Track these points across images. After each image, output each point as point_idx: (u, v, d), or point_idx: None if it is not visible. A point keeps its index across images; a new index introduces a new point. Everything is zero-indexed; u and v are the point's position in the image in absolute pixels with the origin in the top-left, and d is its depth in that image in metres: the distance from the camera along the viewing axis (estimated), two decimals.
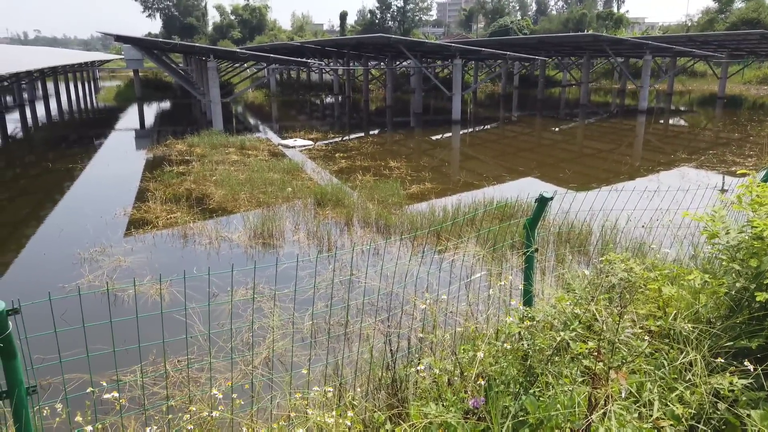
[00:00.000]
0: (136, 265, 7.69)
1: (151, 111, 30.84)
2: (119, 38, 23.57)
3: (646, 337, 2.99)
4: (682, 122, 25.87)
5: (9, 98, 34.05)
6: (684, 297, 3.37)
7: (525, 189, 11.97)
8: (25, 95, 31.98)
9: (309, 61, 30.46)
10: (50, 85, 39.99)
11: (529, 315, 3.03)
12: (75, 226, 9.73)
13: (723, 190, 11.99)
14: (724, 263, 3.44)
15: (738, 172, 7.56)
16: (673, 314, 3.14)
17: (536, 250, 4.59)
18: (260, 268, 7.13)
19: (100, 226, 9.56)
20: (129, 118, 27.82)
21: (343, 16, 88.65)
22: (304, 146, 17.86)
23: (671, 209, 6.24)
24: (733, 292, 3.17)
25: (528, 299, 4.14)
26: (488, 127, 24.36)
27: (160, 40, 36.86)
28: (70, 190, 12.77)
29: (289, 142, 18.35)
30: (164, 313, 3.54)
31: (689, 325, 2.85)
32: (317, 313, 5.81)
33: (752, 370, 2.63)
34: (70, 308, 5.48)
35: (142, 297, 6.62)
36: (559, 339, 2.72)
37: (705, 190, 6.33)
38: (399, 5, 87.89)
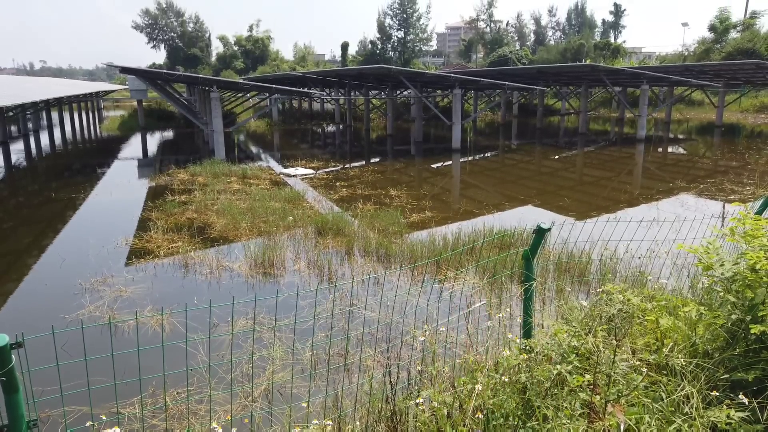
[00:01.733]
0: (137, 295, 7.71)
1: (154, 140, 31.16)
2: (124, 70, 23.96)
3: (644, 369, 3.01)
4: (681, 150, 26.08)
5: (14, 128, 34.45)
6: (681, 328, 3.40)
7: (525, 217, 12.05)
8: (30, 125, 32.35)
9: (311, 90, 30.88)
10: (55, 115, 40.49)
11: (528, 347, 3.06)
12: (77, 256, 9.77)
13: (722, 218, 12.05)
14: (720, 295, 3.47)
15: (732, 204, 7.62)
16: (670, 346, 3.16)
17: (535, 280, 4.63)
18: (261, 299, 7.14)
19: (102, 255, 9.60)
20: (132, 148, 28.09)
21: (345, 47, 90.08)
22: (306, 175, 18.00)
23: (669, 239, 6.29)
24: (729, 324, 3.19)
25: (527, 330, 4.16)
26: (488, 155, 24.57)
27: (164, 71, 37.45)
28: (72, 219, 12.85)
29: (291, 170, 18.51)
30: (165, 344, 3.56)
31: (685, 359, 2.87)
32: (317, 344, 5.81)
33: (747, 403, 2.65)
34: (71, 339, 5.49)
35: (143, 327, 6.63)
36: (556, 372, 2.74)
37: (703, 219, 6.38)
38: (399, 36, 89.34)
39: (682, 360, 2.88)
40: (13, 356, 2.60)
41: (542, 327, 4.68)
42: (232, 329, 5.99)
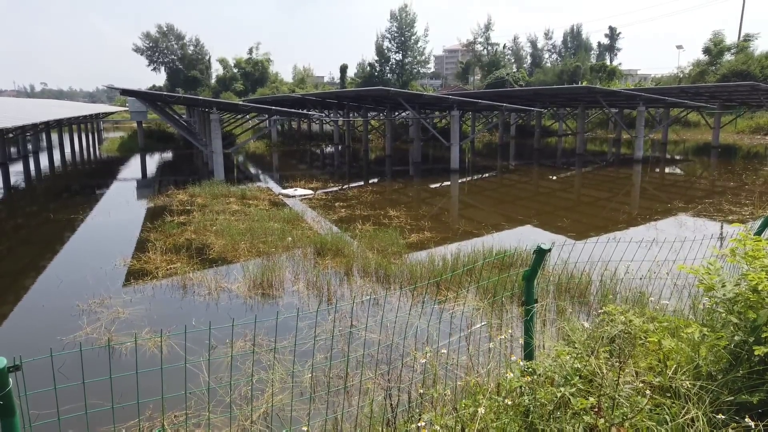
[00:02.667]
0: (135, 316, 7.65)
1: (153, 161, 31.25)
2: (125, 92, 24.14)
3: (648, 392, 2.98)
4: (678, 171, 26.21)
5: (14, 149, 34.56)
6: (684, 350, 3.38)
7: (524, 237, 12.05)
8: (30, 146, 32.46)
9: (310, 112, 31.10)
10: (54, 136, 40.65)
11: (530, 369, 3.03)
12: (74, 277, 9.72)
13: (721, 238, 12.06)
14: (722, 316, 3.45)
15: (732, 225, 7.64)
16: (673, 368, 3.13)
17: (536, 301, 4.61)
18: (261, 321, 7.09)
19: (100, 276, 9.55)
20: (131, 169, 28.16)
21: (344, 69, 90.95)
22: (305, 195, 18.03)
23: (669, 259, 6.29)
24: (732, 346, 3.17)
25: (529, 352, 4.13)
26: (486, 175, 24.66)
27: (165, 93, 37.71)
28: (70, 240, 12.82)
29: (290, 191, 18.54)
30: (164, 366, 3.53)
31: (689, 382, 2.84)
32: (316, 366, 5.76)
33: (754, 426, 2.62)
34: (68, 362, 5.44)
35: (141, 349, 6.57)
36: (560, 395, 2.72)
37: (702, 240, 6.39)
38: (398, 59, 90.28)
39: (687, 382, 2.85)
40: (10, 379, 2.57)
41: (543, 348, 4.64)
42: (232, 351, 5.94)
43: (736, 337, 3.13)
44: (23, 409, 2.81)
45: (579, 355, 2.99)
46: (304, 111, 32.14)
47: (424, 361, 3.98)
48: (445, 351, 4.56)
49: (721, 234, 12.71)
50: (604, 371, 2.85)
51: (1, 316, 8.10)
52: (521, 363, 3.32)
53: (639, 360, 3.59)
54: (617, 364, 2.82)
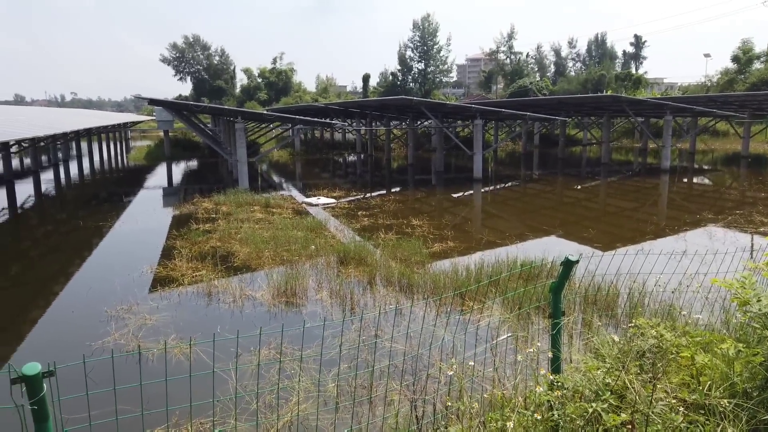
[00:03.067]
0: (161, 323, 7.75)
1: (179, 170, 31.76)
2: (152, 102, 24.61)
3: (681, 409, 2.91)
4: (707, 181, 25.71)
5: (44, 157, 35.46)
6: (718, 366, 3.29)
7: (549, 248, 11.91)
8: (60, 155, 33.25)
9: (333, 121, 31.32)
10: (84, 145, 41.61)
11: (559, 383, 2.98)
12: (102, 283, 9.89)
13: (752, 252, 11.77)
14: (757, 331, 3.36)
15: (766, 238, 7.45)
16: (707, 384, 3.06)
17: (563, 314, 4.55)
18: (287, 330, 7.12)
19: (127, 283, 9.71)
20: (158, 177, 28.65)
21: (366, 78, 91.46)
22: (327, 204, 18.12)
23: (700, 272, 6.15)
24: None
25: (556, 366, 4.07)
26: (510, 185, 24.50)
27: (191, 102, 38.35)
28: (98, 247, 13.06)
29: (313, 200, 18.65)
30: (191, 375, 3.56)
31: (725, 400, 2.77)
32: (341, 375, 5.75)
33: None
34: (96, 368, 5.52)
35: (168, 356, 6.64)
36: (590, 410, 2.67)
37: (735, 253, 6.24)
38: (420, 68, 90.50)
39: (723, 400, 2.78)
40: (44, 385, 2.62)
41: (571, 362, 4.57)
42: (258, 359, 5.97)
43: None
44: (55, 415, 2.86)
45: (610, 370, 2.94)
46: (327, 120, 32.38)
47: (450, 373, 3.95)
48: (471, 363, 4.51)
49: (752, 246, 12.41)
50: (637, 387, 2.80)
51: (31, 321, 8.27)
52: (550, 377, 3.27)
53: (671, 376, 3.51)
54: (649, 379, 2.77)
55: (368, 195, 20.69)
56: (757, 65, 55.32)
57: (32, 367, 2.53)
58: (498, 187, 23.84)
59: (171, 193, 21.91)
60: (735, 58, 57.05)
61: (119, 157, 41.34)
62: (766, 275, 3.52)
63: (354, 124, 44.18)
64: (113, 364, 2.95)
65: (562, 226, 15.18)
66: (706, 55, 78.51)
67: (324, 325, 3.98)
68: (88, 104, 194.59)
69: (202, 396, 4.57)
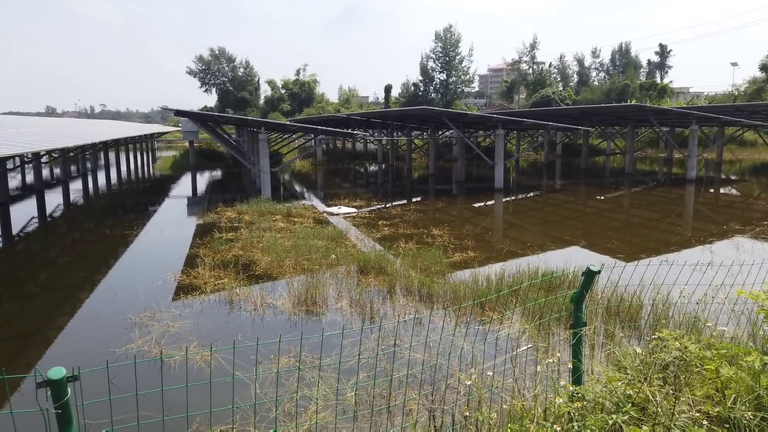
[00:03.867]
0: (184, 330, 7.85)
1: (203, 179, 32.23)
2: (178, 113, 25.07)
3: (705, 422, 2.85)
4: (734, 191, 25.18)
5: (73, 167, 36.30)
6: (743, 379, 3.22)
7: (571, 258, 11.78)
8: (89, 164, 34.01)
9: (354, 131, 31.50)
10: (112, 155, 42.51)
11: (579, 394, 2.95)
12: (127, 291, 10.06)
13: None
14: None
15: None
16: (732, 398, 2.99)
17: (585, 324, 4.49)
18: (306, 338, 7.15)
19: (151, 290, 9.86)
20: (183, 187, 29.11)
21: (388, 89, 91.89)
22: (348, 213, 18.19)
23: (726, 283, 6.02)
24: None
25: (577, 377, 4.02)
26: (531, 194, 24.31)
27: (215, 114, 38.95)
28: (124, 255, 13.30)
29: (334, 209, 18.75)
30: (212, 381, 3.60)
31: (750, 413, 2.70)
32: (359, 384, 5.75)
33: None
34: (120, 373, 5.61)
35: (189, 363, 6.72)
36: (611, 422, 2.63)
37: (762, 264, 6.10)
38: (442, 78, 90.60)
39: (748, 413, 2.71)
40: (68, 389, 2.67)
41: (592, 373, 4.51)
42: (278, 367, 6.00)
43: None
44: (78, 420, 2.91)
45: (631, 382, 2.89)
46: (349, 130, 32.59)
47: (469, 383, 3.93)
48: (491, 373, 4.48)
49: None
50: (659, 399, 2.75)
51: (58, 327, 8.45)
52: (570, 388, 3.22)
53: (695, 388, 3.44)
54: (672, 391, 2.72)
55: (389, 204, 20.72)
56: None
57: (57, 372, 2.59)
58: (519, 197, 23.68)
59: (195, 203, 22.23)
60: (763, 67, 55.90)
61: (146, 167, 42.12)
62: None
63: (375, 134, 44.37)
64: (135, 370, 3.00)
65: (585, 237, 15.00)
66: (734, 64, 77.23)
67: (342, 333, 3.99)
68: (117, 116, 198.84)
69: (222, 403, 4.62)
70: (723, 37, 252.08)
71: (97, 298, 9.87)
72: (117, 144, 36.21)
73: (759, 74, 56.46)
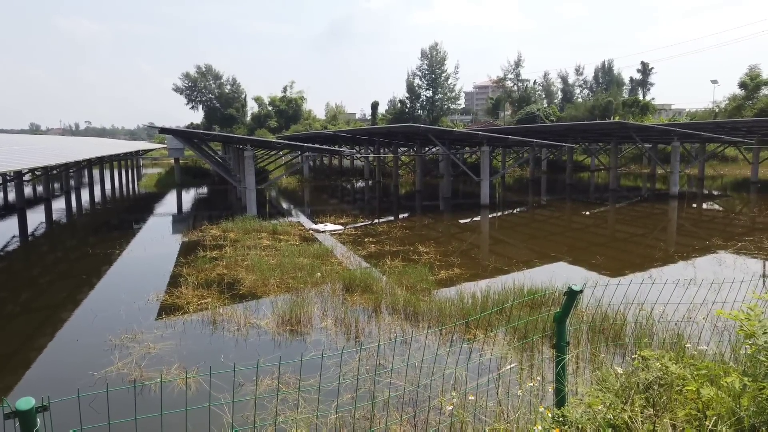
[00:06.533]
0: (165, 352, 7.72)
1: (189, 197, 32.02)
2: (163, 130, 24.97)
3: None
4: (716, 207, 25.52)
5: (57, 185, 35.91)
6: (724, 400, 3.21)
7: (556, 274, 11.81)
8: (72, 182, 33.68)
9: (341, 148, 31.55)
10: (96, 173, 42.13)
11: (561, 418, 2.92)
12: (109, 311, 9.90)
13: (765, 279, 11.60)
14: (765, 364, 3.29)
15: None
16: (713, 420, 2.98)
17: (568, 344, 4.48)
18: (286, 363, 7.07)
19: (133, 311, 9.72)
20: (168, 204, 28.89)
21: (375, 106, 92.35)
22: (335, 231, 18.14)
23: (708, 300, 6.06)
24: None
25: (561, 398, 3.99)
26: (517, 210, 24.45)
27: (201, 131, 38.85)
28: (107, 274, 13.12)
29: (320, 226, 18.69)
30: (189, 406, 3.53)
31: None
32: (342, 406, 5.68)
33: None
34: (100, 397, 5.49)
35: (169, 386, 6.60)
36: None
37: (743, 281, 6.16)
38: (428, 95, 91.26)
39: None
40: (38, 420, 2.60)
41: (576, 394, 4.49)
42: (256, 392, 5.91)
43: None
44: None
45: (612, 405, 2.87)
46: (336, 147, 32.65)
47: (450, 407, 3.89)
48: (472, 397, 4.44)
49: (764, 273, 12.24)
50: (640, 422, 2.73)
51: (37, 349, 8.27)
52: (549, 414, 3.20)
53: (677, 409, 3.44)
54: (652, 414, 2.71)
55: (375, 221, 20.70)
56: (765, 91, 55.27)
57: (26, 402, 2.52)
58: (506, 213, 23.79)
59: (180, 220, 22.05)
60: (742, 84, 57.08)
61: (130, 185, 41.78)
62: None
63: (362, 150, 44.50)
64: (108, 400, 2.93)
65: (570, 253, 15.07)
66: (714, 82, 78.72)
67: (323, 356, 3.94)
68: (102, 132, 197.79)
69: (200, 428, 4.53)
70: (703, 55, 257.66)
71: (78, 319, 9.69)
72: (101, 161, 35.92)
73: (738, 91, 57.62)
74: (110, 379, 6.80)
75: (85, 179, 38.42)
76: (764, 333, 3.23)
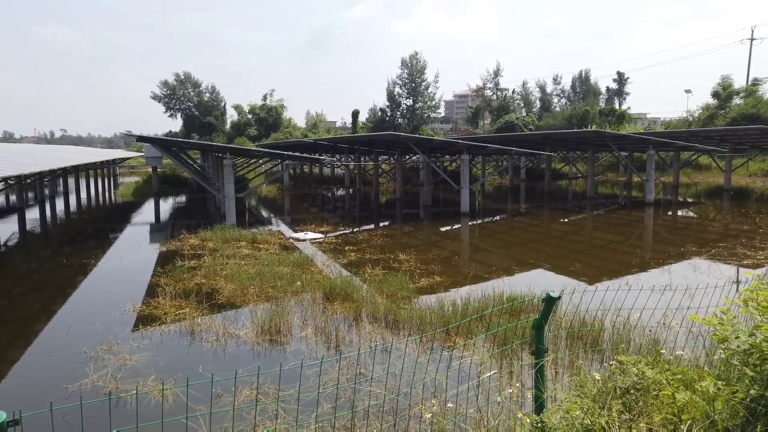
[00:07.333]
0: (142, 363, 7.59)
1: (167, 206, 31.64)
2: (140, 138, 24.70)
3: None
4: (691, 214, 26.02)
5: (31, 194, 35.21)
6: (699, 404, 3.26)
7: (535, 282, 11.92)
8: (47, 191, 33.08)
9: (321, 157, 31.52)
10: (71, 181, 41.44)
11: (539, 425, 2.94)
12: (84, 322, 9.71)
13: (738, 284, 11.84)
14: (737, 368, 3.35)
15: (745, 273, 7.52)
16: (688, 424, 3.03)
17: (547, 350, 4.52)
18: (265, 373, 7.00)
19: (109, 322, 9.54)
20: (145, 213, 28.51)
21: (355, 114, 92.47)
22: (315, 239, 18.07)
23: (683, 305, 6.17)
24: (748, 400, 3.06)
25: (540, 404, 4.02)
26: (497, 218, 24.63)
27: (179, 139, 38.49)
28: (82, 284, 12.87)
29: (300, 235, 18.61)
30: (165, 418, 3.47)
31: None
32: (323, 416, 5.63)
33: None
34: (73, 411, 5.37)
35: (145, 398, 6.48)
36: None
37: (716, 286, 6.28)
38: (408, 104, 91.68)
39: None
40: None
41: (555, 400, 4.52)
42: (234, 403, 5.83)
43: (752, 391, 3.02)
44: None
45: (589, 410, 2.90)
46: (316, 156, 32.60)
47: (429, 415, 3.88)
48: (450, 405, 4.44)
49: (738, 279, 12.49)
50: (617, 427, 2.76)
51: (10, 362, 8.08)
52: (527, 420, 3.22)
53: (653, 413, 3.48)
54: (628, 419, 2.74)
55: (356, 229, 20.68)
56: (737, 100, 56.71)
57: None
58: (485, 220, 23.96)
59: (158, 230, 21.76)
60: (715, 94, 58.50)
61: (107, 194, 41.15)
62: (744, 312, 3.53)
63: (343, 159, 44.49)
64: (82, 413, 2.87)
65: (549, 260, 15.22)
66: (687, 91, 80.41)
67: (302, 366, 3.91)
68: (78, 141, 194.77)
69: None
70: (677, 66, 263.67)
71: (52, 331, 9.49)
72: (77, 170, 35.35)
73: (711, 101, 59.01)
74: (85, 391, 6.66)
75: (61, 188, 37.72)
76: (737, 338, 3.29)
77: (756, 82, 58.85)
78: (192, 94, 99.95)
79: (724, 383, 3.21)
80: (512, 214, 26.30)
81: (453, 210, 26.06)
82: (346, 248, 16.29)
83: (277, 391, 6.30)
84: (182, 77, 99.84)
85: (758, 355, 3.10)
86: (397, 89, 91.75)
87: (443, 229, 21.71)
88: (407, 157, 37.71)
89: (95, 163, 36.01)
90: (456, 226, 22.16)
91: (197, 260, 14.18)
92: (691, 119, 60.14)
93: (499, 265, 14.29)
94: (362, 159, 40.81)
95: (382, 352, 7.80)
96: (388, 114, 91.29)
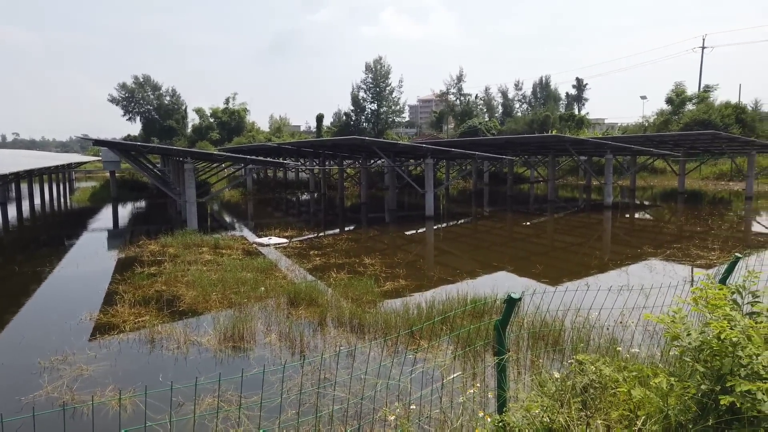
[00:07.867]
0: (99, 373, 7.37)
1: (126, 211, 30.85)
2: (97, 142, 24.03)
3: None
4: (647, 216, 26.83)
5: None
6: (653, 400, 3.37)
7: (499, 284, 12.09)
8: None
9: (285, 161, 31.28)
10: (24, 186, 39.98)
11: (501, 424, 2.98)
12: (38, 332, 9.37)
13: (693, 283, 12.26)
14: (689, 364, 3.47)
15: (696, 273, 7.80)
16: (643, 419, 3.12)
17: (508, 350, 4.59)
18: (227, 379, 6.89)
19: (64, 331, 9.24)
20: (103, 219, 27.71)
21: (320, 119, 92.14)
22: (279, 244, 17.90)
23: (639, 305, 6.35)
24: (699, 395, 3.18)
25: (502, 404, 4.07)
26: (461, 222, 24.89)
27: (138, 143, 37.62)
28: (36, 293, 12.42)
29: (264, 240, 18.40)
30: (124, 428, 3.38)
31: None
32: (287, 422, 5.58)
33: None
34: (26, 423, 5.18)
35: (103, 409, 6.30)
36: None
37: (670, 285, 6.49)
38: (373, 108, 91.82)
39: None
40: None
41: (517, 400, 4.59)
42: (195, 411, 5.72)
43: (703, 386, 3.14)
44: None
45: (549, 408, 2.96)
46: (280, 160, 32.33)
47: (392, 417, 3.89)
48: (413, 407, 4.46)
49: (692, 279, 12.94)
50: (576, 423, 2.83)
51: None
52: (489, 420, 3.26)
53: (611, 410, 3.57)
54: (585, 416, 2.80)
55: (321, 234, 20.58)
56: (690, 106, 58.89)
57: None
58: (450, 224, 24.17)
59: (116, 236, 21.19)
60: (669, 100, 60.62)
61: (63, 199, 39.85)
62: (695, 309, 3.67)
63: (307, 163, 44.25)
64: (34, 424, 2.77)
65: (512, 262, 15.46)
66: (643, 97, 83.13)
67: (264, 371, 3.87)
68: (31, 144, 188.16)
69: None
70: (633, 72, 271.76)
71: (3, 342, 9.12)
72: (30, 175, 34.09)
73: (666, 107, 61.10)
74: (39, 403, 6.43)
75: (12, 194, 36.38)
76: (688, 335, 3.41)
77: (707, 89, 61.27)
78: (152, 97, 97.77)
79: (677, 379, 3.32)
80: (476, 218, 26.61)
81: (418, 214, 26.21)
82: (311, 253, 16.19)
83: (239, 398, 6.21)
84: (141, 80, 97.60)
85: (708, 351, 3.22)
86: (362, 93, 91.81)
87: (408, 232, 21.81)
88: (372, 161, 37.77)
89: (50, 167, 34.81)
90: (421, 230, 22.29)
91: (158, 266, 13.87)
92: (646, 124, 62.11)
93: (463, 267, 14.44)
94: (327, 163, 40.68)
95: (347, 356, 7.78)
96: (353, 118, 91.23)
